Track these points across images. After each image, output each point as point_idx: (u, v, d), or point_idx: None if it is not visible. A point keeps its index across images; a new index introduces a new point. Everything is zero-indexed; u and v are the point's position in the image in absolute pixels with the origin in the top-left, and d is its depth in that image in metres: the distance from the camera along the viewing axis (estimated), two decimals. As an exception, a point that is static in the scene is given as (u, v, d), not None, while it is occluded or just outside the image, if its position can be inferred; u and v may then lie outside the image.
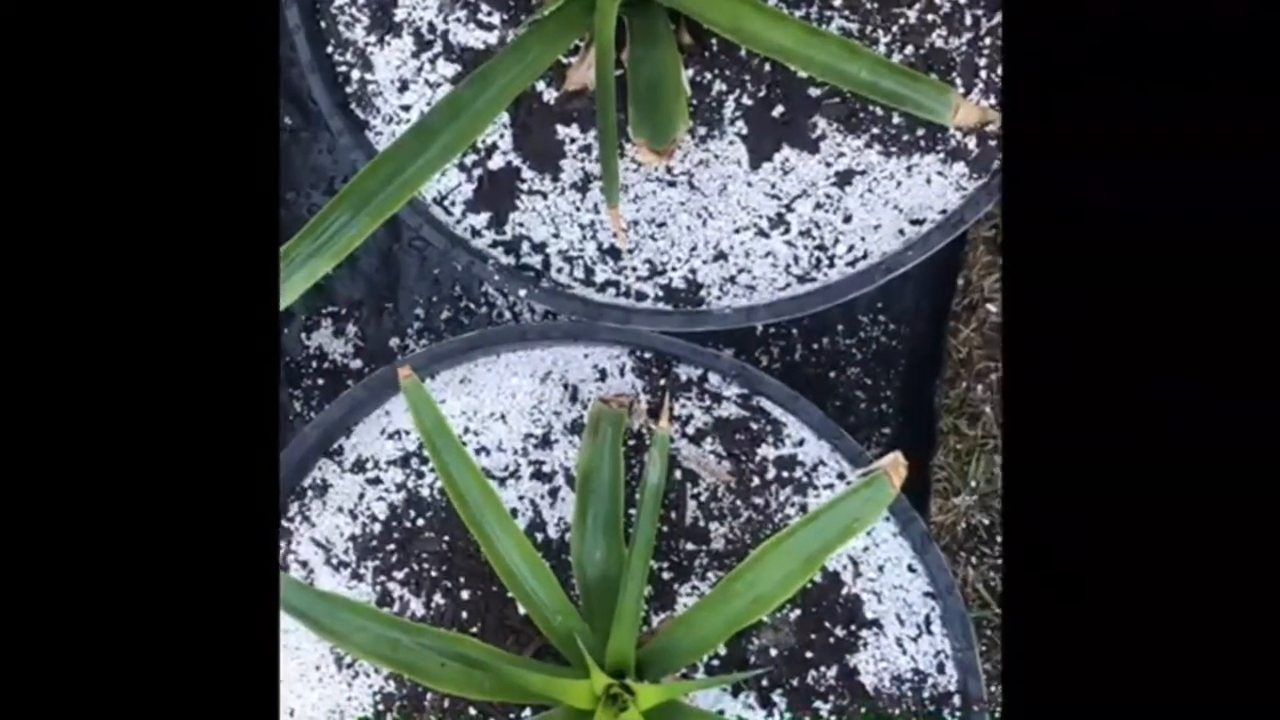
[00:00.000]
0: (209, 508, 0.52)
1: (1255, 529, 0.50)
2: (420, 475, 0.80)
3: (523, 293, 0.76)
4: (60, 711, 0.50)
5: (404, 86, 0.78)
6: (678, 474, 0.78)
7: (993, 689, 1.00)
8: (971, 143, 0.74)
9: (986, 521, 1.00)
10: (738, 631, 0.73)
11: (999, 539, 1.00)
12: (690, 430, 0.78)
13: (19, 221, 0.51)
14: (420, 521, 0.80)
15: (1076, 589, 0.52)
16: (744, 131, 0.75)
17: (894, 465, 0.67)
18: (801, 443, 0.78)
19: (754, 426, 0.78)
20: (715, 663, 0.76)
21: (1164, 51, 0.52)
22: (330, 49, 0.78)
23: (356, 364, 1.03)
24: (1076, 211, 0.53)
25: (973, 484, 1.00)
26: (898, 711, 0.75)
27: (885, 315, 1.02)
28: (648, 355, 0.78)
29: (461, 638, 0.71)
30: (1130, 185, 0.52)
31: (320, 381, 1.03)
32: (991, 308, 1.00)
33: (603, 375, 0.80)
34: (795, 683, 0.76)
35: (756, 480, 0.77)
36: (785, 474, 0.77)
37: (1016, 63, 0.54)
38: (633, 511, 0.75)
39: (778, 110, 0.74)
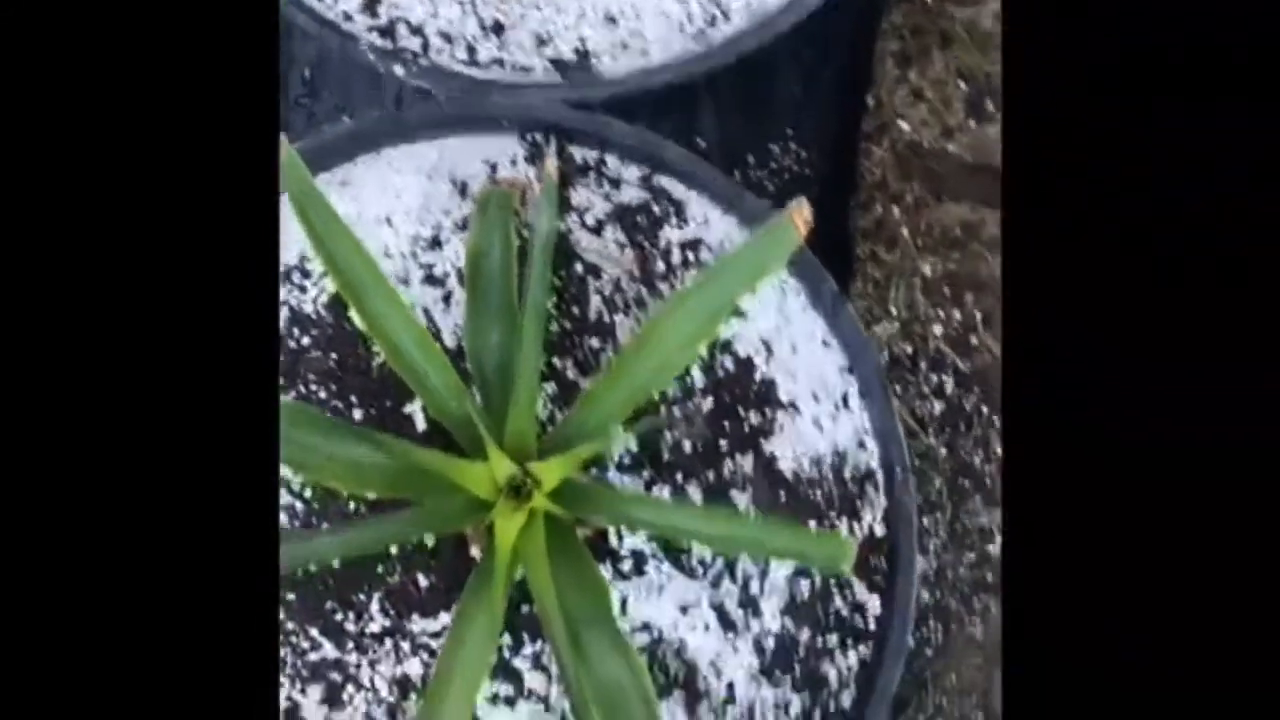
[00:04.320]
0: (206, 484, 0.47)
1: (1257, 511, 0.46)
2: (303, 290, 0.75)
3: (400, 71, 0.71)
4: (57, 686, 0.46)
5: None
6: (579, 267, 0.74)
7: (924, 520, 0.97)
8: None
9: (910, 349, 0.97)
10: (650, 431, 0.69)
11: (923, 365, 0.97)
12: (589, 220, 0.74)
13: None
14: (306, 340, 0.75)
15: (1076, 564, 0.48)
16: (627, -116, 0.70)
17: (798, 210, 0.63)
18: (706, 222, 0.73)
19: (655, 209, 0.74)
20: (627, 460, 0.72)
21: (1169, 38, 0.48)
22: None
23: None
24: (1078, 177, 0.48)
25: (893, 311, 0.97)
26: (818, 494, 0.71)
27: (795, 142, 0.99)
28: (539, 139, 0.74)
29: (345, 424, 0.66)
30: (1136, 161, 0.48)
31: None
32: (904, 125, 0.96)
33: (493, 168, 0.75)
34: (710, 476, 0.72)
35: (661, 265, 0.73)
36: (690, 256, 0.73)
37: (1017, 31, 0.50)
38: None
39: None
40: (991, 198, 0.93)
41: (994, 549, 0.96)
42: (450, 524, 0.65)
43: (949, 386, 0.96)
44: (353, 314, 0.73)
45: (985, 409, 0.95)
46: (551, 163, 0.67)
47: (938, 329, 0.96)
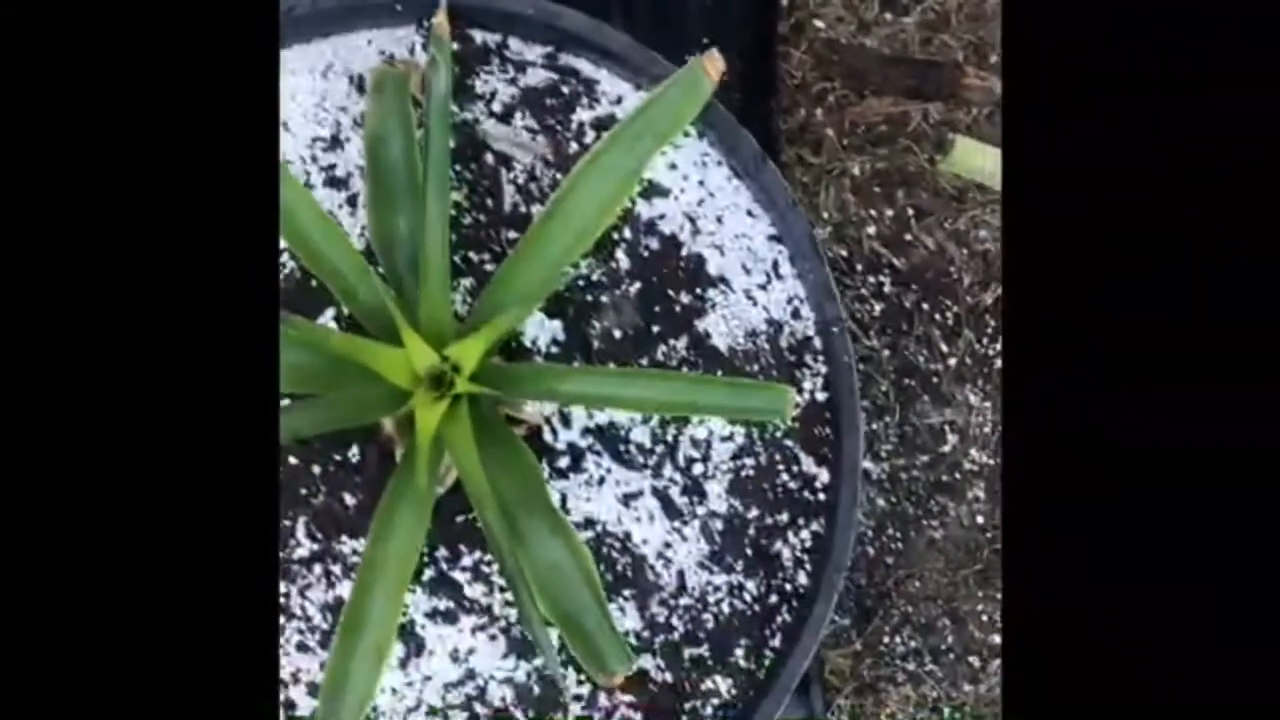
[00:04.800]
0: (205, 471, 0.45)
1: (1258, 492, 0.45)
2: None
3: (284, -40, 0.68)
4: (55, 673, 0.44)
5: None
6: (490, 158, 0.70)
7: (873, 425, 0.94)
8: None
9: (845, 253, 0.94)
10: (574, 314, 0.66)
11: (859, 267, 0.94)
12: (497, 107, 0.71)
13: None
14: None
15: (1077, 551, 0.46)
16: None
17: (709, 59, 0.60)
18: (619, 100, 0.70)
19: (565, 90, 0.71)
20: (555, 349, 0.68)
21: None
22: None
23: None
24: (1078, 166, 0.46)
25: (825, 215, 0.94)
26: (756, 367, 0.68)
27: (711, 50, 0.96)
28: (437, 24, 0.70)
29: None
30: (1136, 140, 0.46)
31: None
32: (819, 23, 0.94)
33: (391, 58, 0.71)
34: (645, 361, 0.69)
35: (575, 147, 0.70)
36: (605, 136, 0.70)
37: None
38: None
39: None
40: (913, 89, 0.91)
41: (946, 449, 0.93)
42: (367, 413, 0.61)
43: (887, 285, 0.94)
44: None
45: (926, 305, 0.93)
46: (441, 15, 0.63)
47: (871, 229, 0.94)
